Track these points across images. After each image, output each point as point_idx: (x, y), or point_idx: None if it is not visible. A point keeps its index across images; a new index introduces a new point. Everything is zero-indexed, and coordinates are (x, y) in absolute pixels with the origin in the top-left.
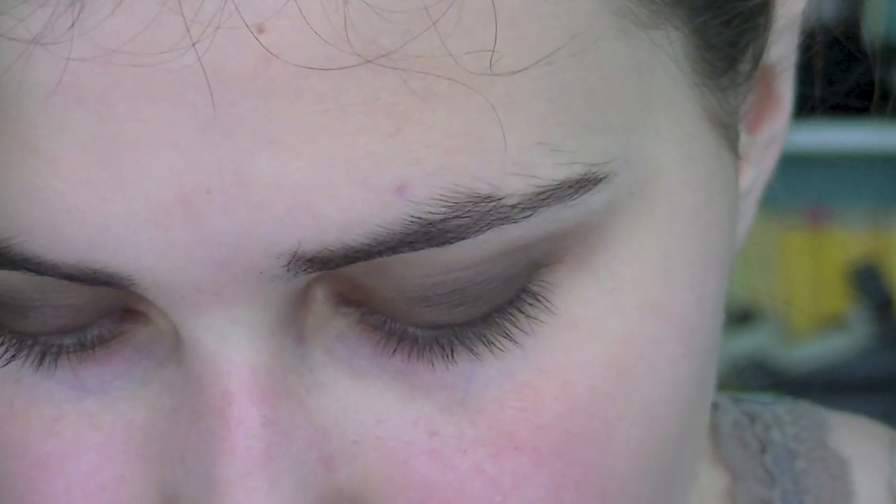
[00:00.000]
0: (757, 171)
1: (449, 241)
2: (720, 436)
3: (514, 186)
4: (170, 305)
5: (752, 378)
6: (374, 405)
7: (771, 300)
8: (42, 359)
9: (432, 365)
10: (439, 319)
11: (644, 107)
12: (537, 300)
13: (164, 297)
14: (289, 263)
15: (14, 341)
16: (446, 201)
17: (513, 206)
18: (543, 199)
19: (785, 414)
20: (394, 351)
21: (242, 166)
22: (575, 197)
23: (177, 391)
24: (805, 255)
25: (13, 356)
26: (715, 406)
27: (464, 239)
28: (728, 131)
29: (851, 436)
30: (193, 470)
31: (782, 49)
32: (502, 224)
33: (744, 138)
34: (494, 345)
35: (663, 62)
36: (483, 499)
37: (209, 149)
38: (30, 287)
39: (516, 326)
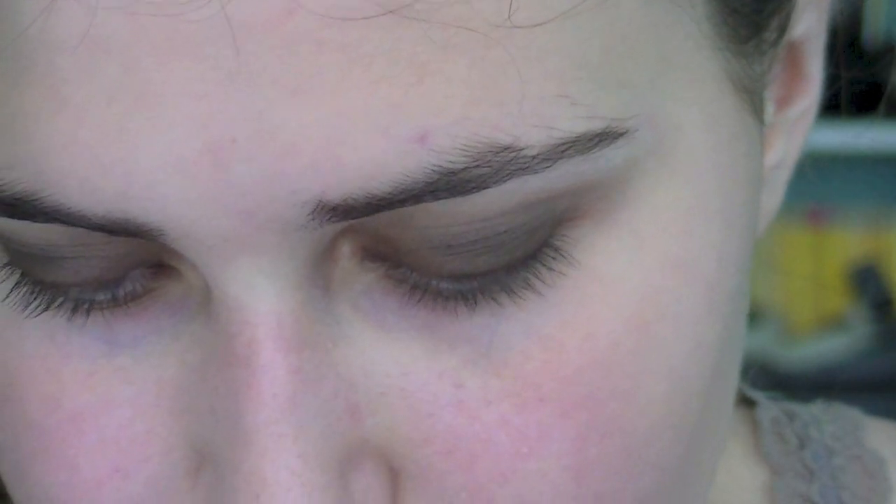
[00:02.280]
0: (786, 146)
1: (470, 191)
2: (760, 431)
3: (534, 138)
4: (198, 256)
5: (752, 378)
6: (399, 357)
7: (771, 300)
8: (74, 312)
9: (456, 316)
10: (462, 268)
11: (664, 65)
12: (559, 254)
13: (192, 248)
14: (313, 212)
15: (47, 294)
16: (467, 151)
17: (533, 157)
18: (563, 151)
19: (822, 413)
20: (418, 303)
21: (266, 116)
22: (594, 150)
23: (206, 344)
24: (805, 255)
25: (46, 308)
26: (754, 403)
27: (485, 189)
28: (752, 97)
29: (887, 437)
30: (222, 421)
31: (809, 25)
32: (523, 175)
33: (773, 115)
34: (517, 295)
35: (684, 23)
36: (509, 450)
37: (233, 99)
38: (63, 239)
39: (538, 278)
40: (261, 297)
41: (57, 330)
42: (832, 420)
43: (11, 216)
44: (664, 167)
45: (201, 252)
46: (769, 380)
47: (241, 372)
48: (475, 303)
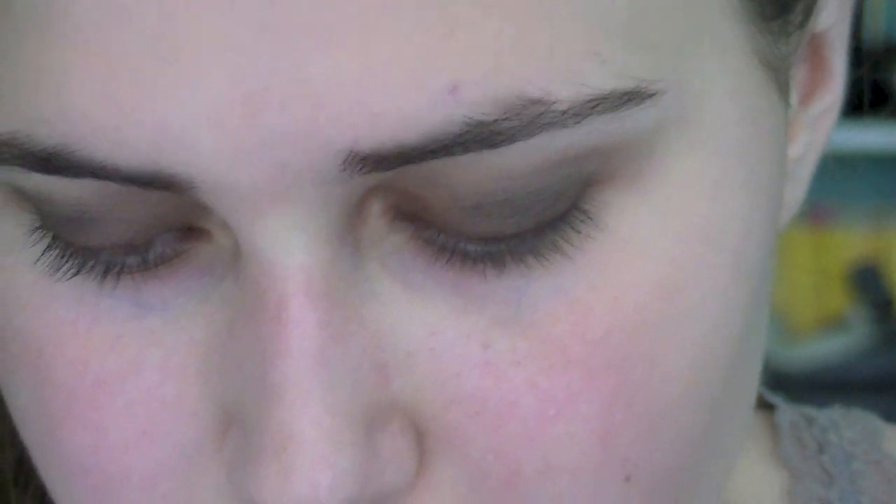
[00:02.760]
0: (810, 138)
1: (500, 144)
2: (779, 435)
3: (564, 93)
4: (228, 210)
5: None
6: (427, 318)
7: (771, 300)
8: (105, 275)
9: (484, 277)
10: (491, 230)
11: (692, 32)
12: (588, 217)
13: (222, 201)
14: (344, 162)
15: (78, 258)
16: (498, 104)
17: (563, 112)
18: (593, 108)
19: (840, 418)
20: (446, 264)
21: (300, 66)
22: (623, 109)
23: (235, 303)
24: (806, 255)
25: (77, 272)
26: (773, 406)
27: (514, 142)
28: (777, 75)
29: None
30: (250, 378)
31: (832, 18)
32: (552, 129)
33: (797, 108)
34: (545, 257)
35: None
36: (536, 412)
37: (267, 49)
38: (95, 198)
39: (567, 241)
40: (291, 251)
41: (86, 293)
42: (850, 425)
43: (42, 171)
44: (691, 135)
45: (232, 206)
46: (769, 379)
47: (271, 327)
48: (503, 265)
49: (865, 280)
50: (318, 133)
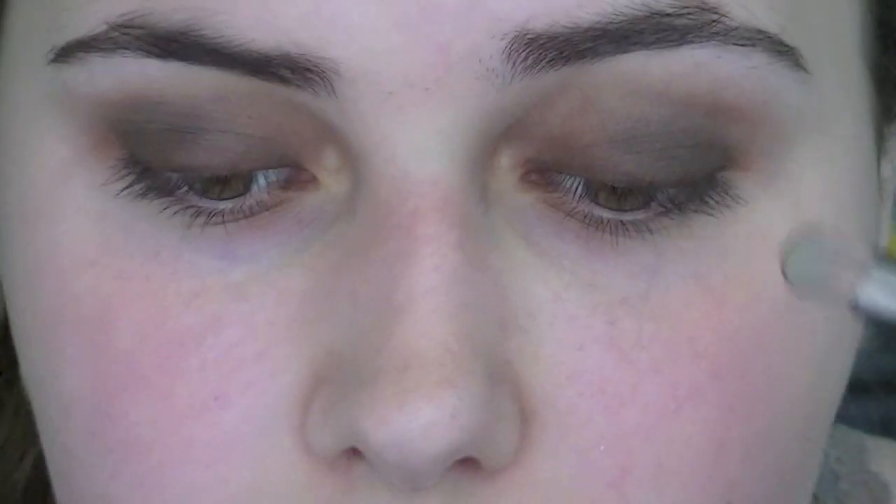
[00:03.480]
0: (893, 164)
1: (672, 42)
2: None
3: (736, 13)
4: (369, 109)
5: None
6: (552, 282)
7: None
8: (191, 223)
9: (615, 249)
10: (636, 174)
11: (835, 37)
12: (728, 205)
13: (366, 96)
14: (510, 46)
15: (165, 194)
16: None
17: (734, 28)
18: (759, 40)
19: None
20: (575, 230)
21: None
22: (780, 63)
23: (348, 239)
24: None
25: (166, 206)
26: None
27: (686, 43)
28: (881, 93)
29: (892, 462)
30: (363, 310)
31: None
32: (722, 43)
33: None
34: (681, 238)
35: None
36: (657, 404)
37: None
38: (210, 99)
39: (706, 224)
40: (428, 164)
41: (164, 247)
42: (836, 444)
43: (161, 55)
44: (825, 148)
45: (376, 102)
46: None
47: (400, 243)
48: (635, 238)
49: None
50: (489, 9)
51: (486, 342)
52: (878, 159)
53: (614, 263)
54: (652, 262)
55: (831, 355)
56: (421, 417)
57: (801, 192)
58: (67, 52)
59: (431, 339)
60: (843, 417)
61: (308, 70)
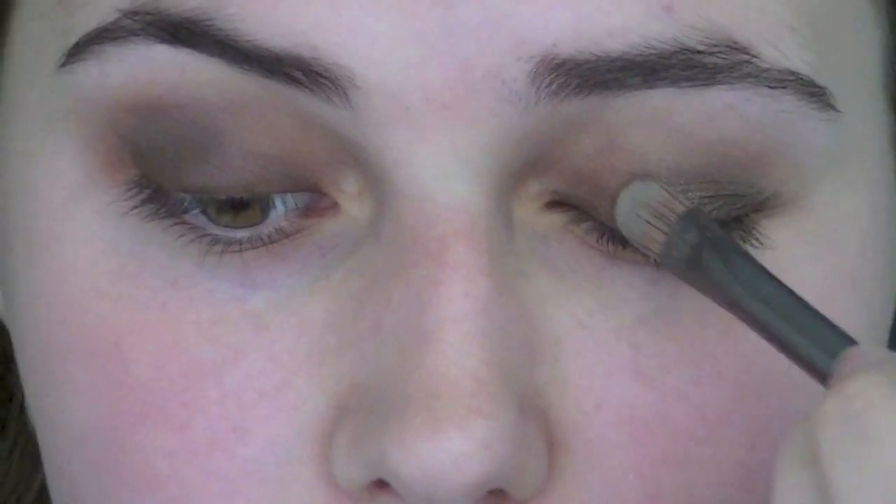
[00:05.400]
0: None
1: (702, 81)
2: None
3: (767, 53)
4: (386, 124)
5: None
6: (574, 309)
7: None
8: (208, 251)
9: (627, 261)
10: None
11: (861, 71)
12: (754, 237)
13: (382, 109)
14: (534, 72)
15: (181, 209)
16: (707, 34)
17: (764, 70)
18: (789, 81)
19: None
20: (590, 254)
21: None
22: (810, 105)
23: (372, 265)
24: None
25: (181, 234)
26: None
27: (716, 84)
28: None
29: None
30: (391, 336)
31: None
32: (753, 84)
33: None
34: None
35: (869, 29)
36: (685, 430)
37: None
38: (219, 102)
39: None
40: (454, 188)
41: (181, 275)
42: None
43: (172, 43)
44: (848, 176)
45: (393, 117)
46: None
47: (428, 269)
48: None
49: None
50: (514, 30)
51: (516, 370)
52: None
53: (630, 280)
54: (657, 276)
55: None
56: (452, 448)
57: (825, 225)
58: (80, 48)
59: (462, 368)
60: None
61: (320, 75)
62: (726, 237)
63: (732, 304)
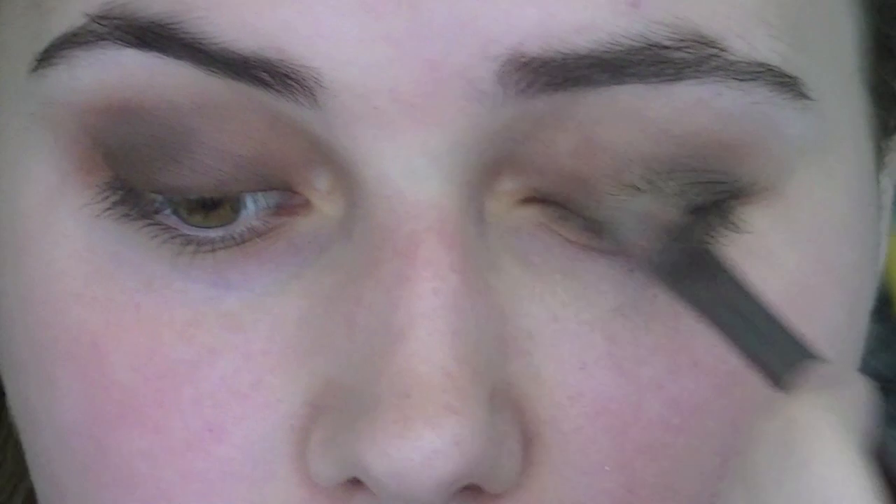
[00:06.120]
0: (892, 178)
1: (669, 77)
2: None
3: (736, 46)
4: (354, 123)
5: None
6: (548, 302)
7: None
8: (180, 252)
9: (602, 253)
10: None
11: (835, 58)
12: (731, 223)
13: (350, 109)
14: (503, 69)
15: (152, 209)
16: (675, 29)
17: (733, 63)
18: (759, 74)
19: None
20: (563, 246)
21: None
22: (784, 94)
23: (344, 263)
24: None
25: (155, 235)
26: None
27: (684, 79)
28: (880, 104)
29: None
30: (363, 334)
31: None
32: (721, 78)
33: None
34: None
35: (845, 21)
36: (661, 420)
37: None
38: (189, 104)
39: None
40: (423, 185)
41: (155, 276)
42: None
43: (141, 46)
44: (826, 165)
45: (360, 116)
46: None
47: (398, 265)
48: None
49: None
50: (481, 29)
51: (487, 365)
52: (877, 172)
53: (602, 270)
54: (633, 266)
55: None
56: (423, 446)
57: (803, 211)
58: (50, 53)
59: (432, 364)
60: None
61: (287, 77)
62: (706, 249)
63: (703, 313)
